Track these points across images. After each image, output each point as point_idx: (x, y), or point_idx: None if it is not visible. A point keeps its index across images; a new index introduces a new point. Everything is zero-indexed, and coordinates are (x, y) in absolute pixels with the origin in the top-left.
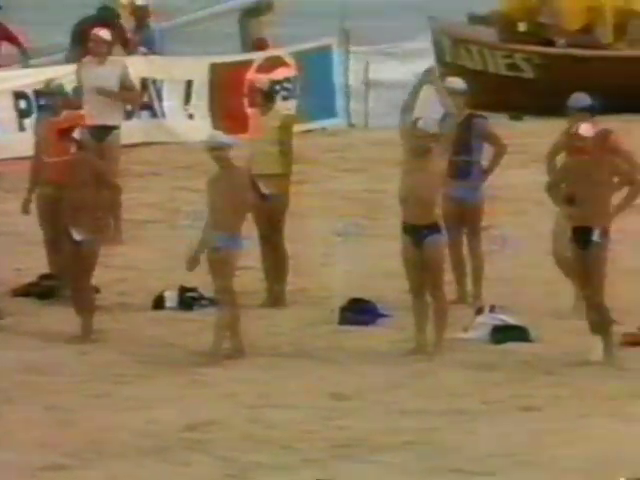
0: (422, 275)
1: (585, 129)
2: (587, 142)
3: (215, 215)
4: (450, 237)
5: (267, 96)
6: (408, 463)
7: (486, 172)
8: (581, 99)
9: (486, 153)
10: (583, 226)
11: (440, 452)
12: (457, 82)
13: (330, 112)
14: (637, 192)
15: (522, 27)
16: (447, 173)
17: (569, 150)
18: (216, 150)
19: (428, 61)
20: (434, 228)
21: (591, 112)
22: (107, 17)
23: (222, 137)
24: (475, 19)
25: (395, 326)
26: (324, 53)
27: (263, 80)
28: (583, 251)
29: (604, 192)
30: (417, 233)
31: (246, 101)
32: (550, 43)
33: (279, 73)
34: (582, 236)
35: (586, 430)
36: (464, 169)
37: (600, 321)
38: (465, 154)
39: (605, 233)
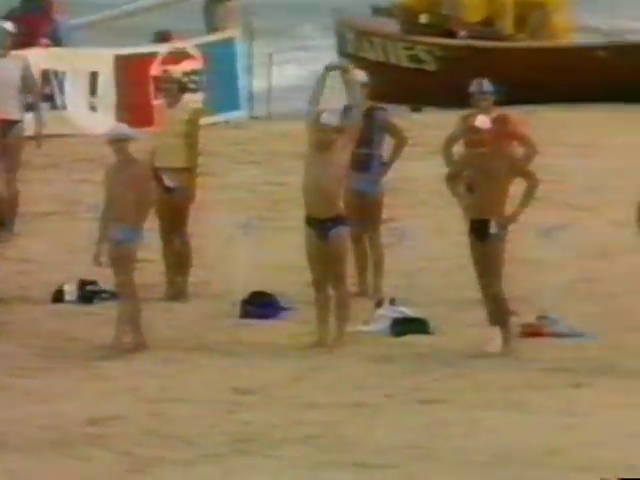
0: (325, 268)
1: (481, 121)
2: (483, 134)
3: (115, 208)
4: (351, 230)
5: (180, 88)
6: (310, 457)
7: (387, 164)
8: (484, 84)
9: (386, 145)
10: (480, 218)
11: (342, 445)
12: (359, 74)
13: (233, 105)
14: (534, 188)
15: (424, 19)
16: (348, 165)
17: (467, 141)
18: (118, 142)
19: (332, 55)
20: (338, 221)
21: (493, 97)
22: (32, 8)
23: (124, 129)
24: (378, 11)
25: (297, 319)
26: (227, 46)
27: (176, 72)
28: (481, 243)
29: (501, 184)
30: (321, 226)
31: (152, 93)
32: (452, 35)
33: (185, 65)
34: (479, 228)
35: (485, 421)
36: (365, 161)
37: (498, 312)
38: (366, 146)
39: (503, 226)
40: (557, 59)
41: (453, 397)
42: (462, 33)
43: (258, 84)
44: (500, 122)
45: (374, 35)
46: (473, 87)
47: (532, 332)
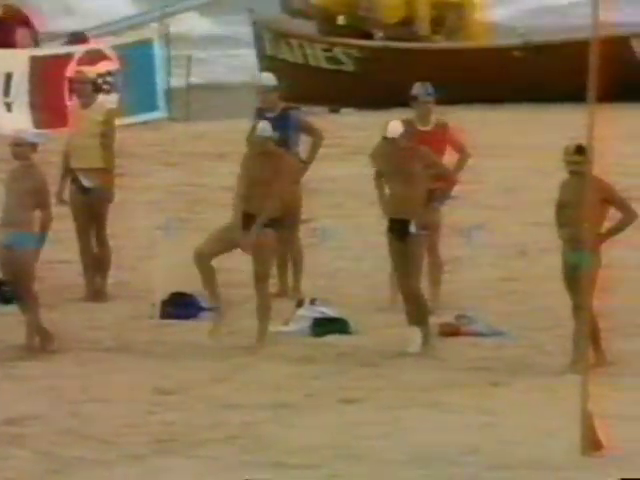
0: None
1: (392, 131)
2: (395, 142)
3: (7, 212)
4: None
5: (95, 89)
6: (230, 457)
7: (305, 163)
8: (428, 87)
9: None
10: (400, 218)
11: (262, 446)
12: (268, 77)
13: (151, 106)
14: (451, 187)
15: (341, 20)
16: None
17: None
18: (17, 146)
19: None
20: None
21: (434, 100)
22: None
23: (25, 134)
24: (295, 12)
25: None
26: (145, 47)
27: (90, 72)
28: (400, 243)
29: (419, 185)
30: (250, 226)
31: (67, 94)
32: (369, 36)
33: (101, 66)
34: (399, 228)
35: (405, 421)
36: None
37: (417, 312)
38: (283, 147)
39: (421, 225)
40: (473, 60)
41: (373, 397)
42: (379, 34)
43: (177, 84)
44: (440, 127)
45: (292, 37)
46: (417, 90)
47: (451, 331)
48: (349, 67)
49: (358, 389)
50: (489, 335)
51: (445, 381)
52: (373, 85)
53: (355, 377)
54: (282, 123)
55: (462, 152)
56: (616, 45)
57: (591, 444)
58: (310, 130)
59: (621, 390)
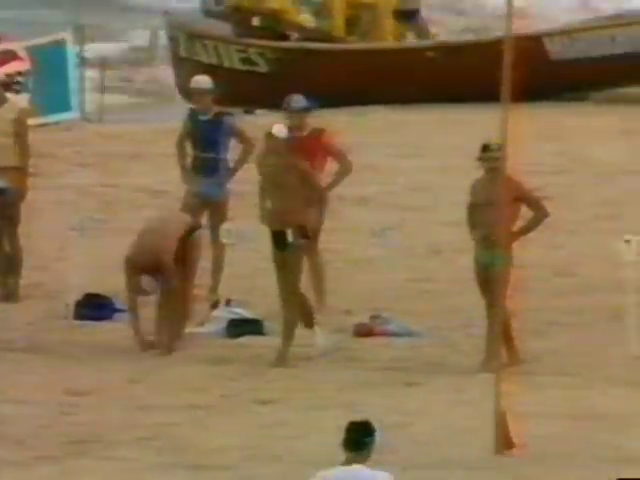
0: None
1: (277, 129)
2: (278, 142)
3: None
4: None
5: (4, 88)
6: (144, 459)
7: (234, 169)
8: (298, 100)
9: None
10: (278, 229)
11: (177, 447)
12: (203, 81)
13: (64, 106)
14: (326, 200)
15: (256, 21)
16: (194, 170)
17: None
18: None
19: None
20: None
21: (307, 112)
22: None
23: None
24: (211, 13)
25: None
26: (58, 47)
27: (0, 73)
28: (280, 253)
29: (294, 195)
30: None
31: None
32: (285, 37)
33: (10, 67)
34: (278, 239)
35: (319, 422)
36: (211, 166)
37: (304, 316)
38: (213, 151)
39: (301, 235)
40: (387, 60)
41: (288, 397)
42: (294, 35)
43: (90, 85)
44: (314, 136)
45: (207, 37)
46: (288, 102)
47: (365, 331)
48: (263, 68)
49: (273, 390)
50: (403, 335)
51: (360, 381)
52: (288, 86)
53: (269, 378)
54: (214, 127)
55: (342, 162)
56: (529, 44)
57: (504, 443)
58: (242, 137)
59: (534, 388)
